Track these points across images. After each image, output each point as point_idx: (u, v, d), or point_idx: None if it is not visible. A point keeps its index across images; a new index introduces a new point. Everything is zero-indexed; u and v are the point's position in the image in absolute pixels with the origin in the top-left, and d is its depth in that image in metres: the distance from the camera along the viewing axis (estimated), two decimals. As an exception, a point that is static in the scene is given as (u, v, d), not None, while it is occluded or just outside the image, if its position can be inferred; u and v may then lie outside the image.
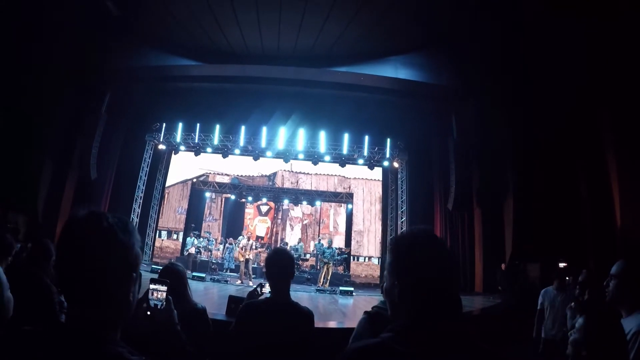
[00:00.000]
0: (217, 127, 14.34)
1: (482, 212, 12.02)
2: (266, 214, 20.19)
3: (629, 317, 2.03)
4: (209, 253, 15.46)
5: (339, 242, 18.14)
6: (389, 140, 14.39)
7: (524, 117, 10.64)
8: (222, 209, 19.92)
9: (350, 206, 19.01)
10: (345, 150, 14.44)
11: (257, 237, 18.47)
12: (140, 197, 14.58)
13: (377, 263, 17.47)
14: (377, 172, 16.43)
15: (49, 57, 10.30)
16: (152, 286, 1.74)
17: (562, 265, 8.99)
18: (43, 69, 10.24)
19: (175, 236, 18.24)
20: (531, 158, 10.66)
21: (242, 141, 14.48)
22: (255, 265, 13.20)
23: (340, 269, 15.30)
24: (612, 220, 8.79)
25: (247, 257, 12.70)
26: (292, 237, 19.06)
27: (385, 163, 15.10)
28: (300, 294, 10.85)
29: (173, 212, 18.60)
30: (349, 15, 10.01)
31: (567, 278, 5.66)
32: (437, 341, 1.05)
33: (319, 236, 18.10)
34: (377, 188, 18.28)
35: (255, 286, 3.31)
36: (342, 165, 15.13)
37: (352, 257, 17.30)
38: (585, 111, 9.46)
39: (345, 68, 11.97)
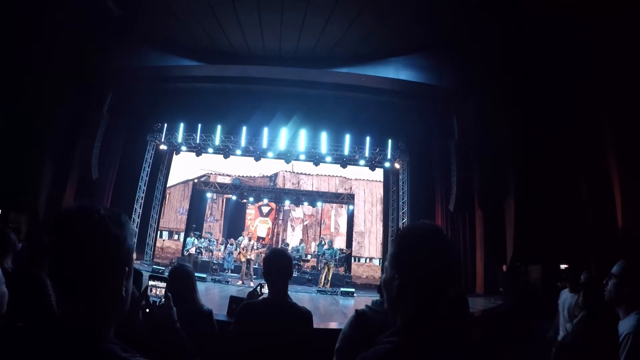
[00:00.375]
0: (219, 127, 14.35)
1: (483, 213, 12.00)
2: (267, 214, 20.22)
3: (625, 318, 2.02)
4: (210, 253, 15.46)
5: (340, 243, 18.15)
6: (390, 141, 14.39)
7: (524, 118, 10.64)
8: (223, 209, 19.96)
9: (351, 207, 19.02)
10: (346, 151, 14.44)
11: (258, 238, 18.48)
12: (142, 197, 14.59)
13: (378, 264, 17.48)
14: (378, 173, 16.43)
15: (49, 57, 10.32)
16: (151, 282, 1.73)
17: (563, 266, 8.98)
18: (44, 69, 10.27)
19: (176, 236, 18.28)
20: (532, 159, 10.65)
21: (243, 142, 14.48)
22: (256, 266, 13.18)
23: (342, 270, 15.29)
24: (613, 220, 8.78)
25: (248, 257, 12.70)
26: (293, 238, 19.08)
27: (387, 164, 15.10)
28: (301, 295, 10.85)
29: (174, 213, 18.64)
30: (350, 16, 10.02)
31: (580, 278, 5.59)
32: (439, 339, 1.04)
33: (320, 237, 18.09)
34: (378, 189, 18.29)
35: (255, 286, 3.32)
36: (344, 166, 15.14)
37: (353, 258, 17.31)
38: (586, 111, 9.45)
39: (346, 69, 11.98)
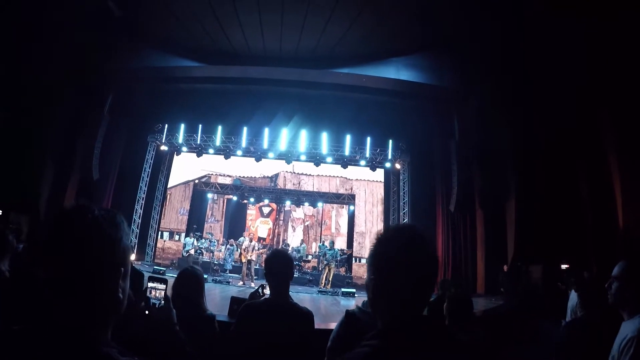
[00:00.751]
0: (219, 128, 14.36)
1: (484, 213, 12.00)
2: (268, 215, 20.23)
3: (630, 320, 1.99)
4: (211, 254, 15.47)
5: (340, 243, 18.14)
6: (390, 141, 14.40)
7: (525, 118, 10.63)
8: (224, 210, 19.97)
9: (352, 207, 19.01)
10: (347, 151, 14.44)
11: (259, 239, 18.49)
12: (143, 198, 14.60)
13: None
14: (379, 174, 16.43)
15: (50, 57, 10.33)
16: (150, 284, 1.72)
17: (564, 266, 8.97)
18: (44, 70, 10.27)
19: (177, 237, 18.29)
20: (533, 159, 10.64)
21: (244, 142, 14.49)
22: (257, 267, 13.19)
23: (342, 270, 15.30)
24: (614, 220, 8.77)
25: (249, 258, 12.70)
26: (294, 239, 19.08)
27: (387, 164, 15.10)
28: (302, 296, 10.85)
29: (175, 213, 18.65)
30: (350, 16, 10.02)
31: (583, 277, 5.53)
32: (419, 340, 1.03)
33: (320, 237, 18.09)
34: (379, 189, 18.29)
35: (257, 287, 3.32)
36: (344, 166, 15.14)
37: (354, 259, 17.29)
38: (586, 111, 9.45)
39: (347, 69, 11.98)
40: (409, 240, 1.15)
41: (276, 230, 20.22)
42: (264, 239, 19.20)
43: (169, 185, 16.92)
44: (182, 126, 14.55)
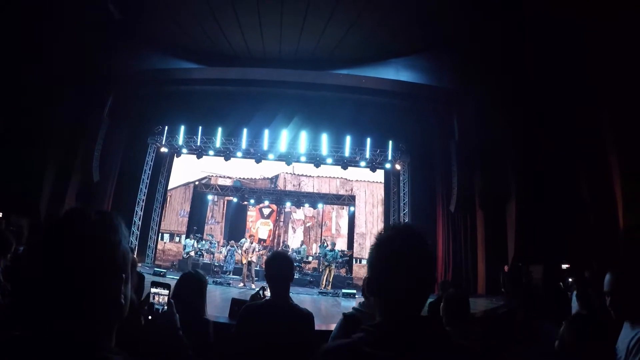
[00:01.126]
0: (219, 129, 14.38)
1: (484, 214, 11.98)
2: (268, 216, 20.22)
3: (638, 322, 1.98)
4: (211, 256, 15.46)
5: (341, 244, 18.13)
6: (390, 142, 14.41)
7: (524, 118, 10.63)
8: (225, 211, 19.96)
9: (352, 208, 19.01)
10: (347, 152, 14.45)
11: (260, 240, 18.48)
12: (143, 200, 14.61)
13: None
14: (379, 175, 16.45)
15: (51, 60, 10.34)
16: (153, 290, 1.72)
17: (564, 266, 8.97)
18: (45, 72, 10.28)
19: (177, 239, 18.27)
20: (533, 159, 10.64)
21: (244, 144, 14.51)
22: (257, 268, 13.19)
23: (343, 271, 15.30)
24: (614, 220, 8.76)
25: (249, 259, 12.70)
26: (294, 240, 19.07)
27: (387, 165, 15.11)
28: (302, 297, 10.85)
29: (175, 215, 18.64)
30: (350, 18, 10.03)
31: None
32: (404, 341, 1.04)
33: (321, 239, 18.07)
34: (379, 190, 18.28)
35: (257, 289, 3.33)
36: (344, 167, 15.14)
37: (354, 260, 17.28)
38: (586, 111, 9.45)
39: (346, 71, 11.99)
40: (407, 240, 1.15)
41: (276, 232, 20.22)
42: (265, 241, 19.20)
43: (169, 187, 16.93)
44: (182, 128, 14.57)
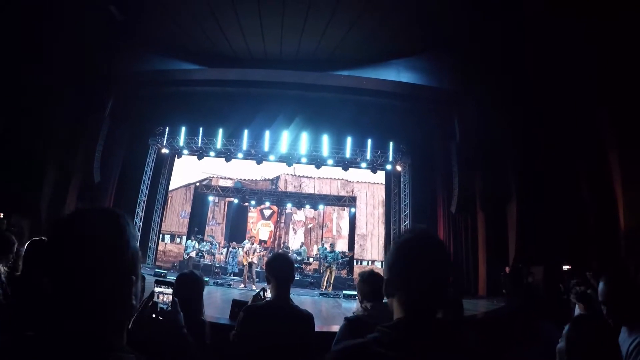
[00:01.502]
0: (220, 131, 14.39)
1: (485, 215, 11.98)
2: (269, 217, 20.19)
3: (636, 327, 1.98)
4: (212, 257, 15.46)
5: (342, 245, 18.11)
6: (391, 143, 14.41)
7: (525, 119, 10.63)
8: (225, 212, 19.93)
9: (353, 210, 18.98)
10: (348, 153, 14.45)
11: (260, 241, 18.45)
12: (144, 201, 14.62)
13: (380, 267, 17.42)
14: (380, 176, 16.42)
15: (52, 61, 10.36)
16: (157, 289, 1.72)
17: (565, 267, 8.95)
18: (46, 73, 10.30)
19: (178, 240, 18.24)
20: (533, 160, 10.64)
21: (245, 145, 14.51)
22: (258, 269, 13.18)
23: (344, 272, 15.28)
24: (615, 220, 8.75)
25: (250, 260, 12.70)
26: (295, 241, 19.04)
27: (388, 166, 15.10)
28: (303, 298, 10.84)
29: (176, 216, 18.61)
30: (351, 19, 10.04)
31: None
32: (419, 342, 1.05)
33: (322, 240, 18.05)
34: (380, 191, 18.24)
35: (258, 290, 3.33)
36: (345, 168, 15.13)
37: (355, 261, 17.25)
38: (586, 111, 9.44)
39: (347, 72, 12.00)
40: (425, 242, 1.19)
41: (277, 233, 20.19)
42: (265, 242, 19.16)
43: (170, 188, 16.93)
44: (183, 129, 14.58)
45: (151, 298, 1.69)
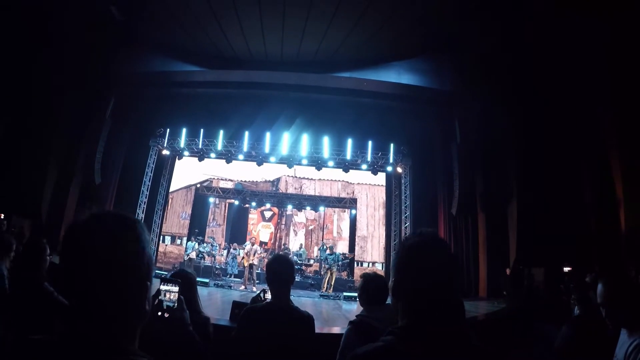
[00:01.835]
0: (221, 132, 14.38)
1: (486, 216, 11.98)
2: (270, 219, 20.20)
3: (635, 330, 1.97)
4: (213, 258, 15.45)
5: (342, 247, 18.11)
6: (392, 145, 14.39)
7: (526, 121, 10.63)
8: (226, 214, 19.94)
9: (353, 211, 18.97)
10: (348, 155, 14.45)
11: (261, 243, 18.45)
12: (144, 202, 14.61)
13: (381, 268, 17.41)
14: (381, 177, 16.41)
15: (53, 62, 10.38)
16: (162, 287, 1.72)
17: (566, 269, 8.95)
18: (48, 74, 10.32)
19: (179, 241, 18.24)
20: (534, 161, 10.63)
21: (245, 146, 14.51)
22: (259, 271, 13.17)
23: (344, 274, 15.26)
24: (616, 222, 8.75)
25: (250, 262, 12.68)
26: (295, 243, 19.05)
27: (389, 168, 15.09)
28: (304, 300, 10.83)
29: (177, 218, 18.61)
30: (352, 21, 10.05)
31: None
32: (435, 343, 1.06)
33: (322, 241, 18.05)
34: (380, 193, 18.23)
35: (258, 292, 3.33)
36: (346, 170, 15.12)
37: (355, 263, 17.24)
38: (587, 112, 9.44)
39: (348, 74, 12.01)
40: (432, 245, 1.20)
41: (278, 235, 20.19)
42: (266, 243, 19.16)
43: (170, 190, 16.93)
44: (184, 130, 14.58)
45: (157, 296, 1.69)
